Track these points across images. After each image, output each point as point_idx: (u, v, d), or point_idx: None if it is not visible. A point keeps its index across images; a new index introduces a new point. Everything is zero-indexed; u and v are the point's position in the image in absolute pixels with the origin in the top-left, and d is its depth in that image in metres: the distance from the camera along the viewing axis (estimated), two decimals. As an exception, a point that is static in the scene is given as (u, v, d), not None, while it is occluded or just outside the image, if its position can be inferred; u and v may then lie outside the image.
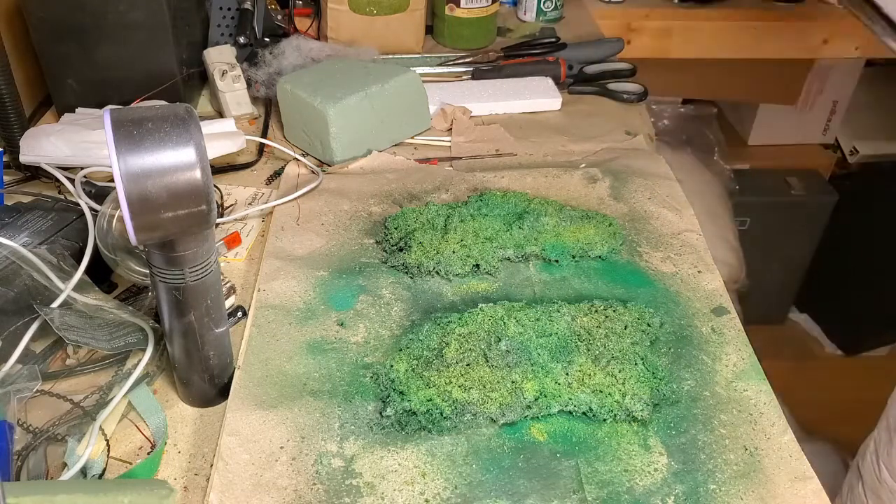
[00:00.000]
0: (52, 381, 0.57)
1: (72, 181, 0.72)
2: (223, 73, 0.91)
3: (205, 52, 0.95)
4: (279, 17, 1.07)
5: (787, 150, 1.68)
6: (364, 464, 0.51)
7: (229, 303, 0.65)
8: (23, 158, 0.76)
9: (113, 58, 0.87)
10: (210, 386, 0.56)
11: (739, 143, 1.68)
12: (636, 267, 0.69)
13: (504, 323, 0.58)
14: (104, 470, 0.51)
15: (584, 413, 0.54)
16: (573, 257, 0.69)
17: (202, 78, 0.98)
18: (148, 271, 0.52)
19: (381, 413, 0.54)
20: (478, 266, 0.67)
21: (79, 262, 0.60)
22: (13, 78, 0.79)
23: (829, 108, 1.65)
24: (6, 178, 0.79)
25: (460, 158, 0.86)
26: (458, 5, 1.08)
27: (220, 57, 0.93)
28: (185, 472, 0.52)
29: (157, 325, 0.58)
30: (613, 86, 1.00)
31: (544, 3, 1.22)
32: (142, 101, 0.86)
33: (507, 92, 0.97)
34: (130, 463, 0.52)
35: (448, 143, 0.89)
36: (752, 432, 0.54)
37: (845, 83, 1.61)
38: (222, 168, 0.83)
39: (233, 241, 0.72)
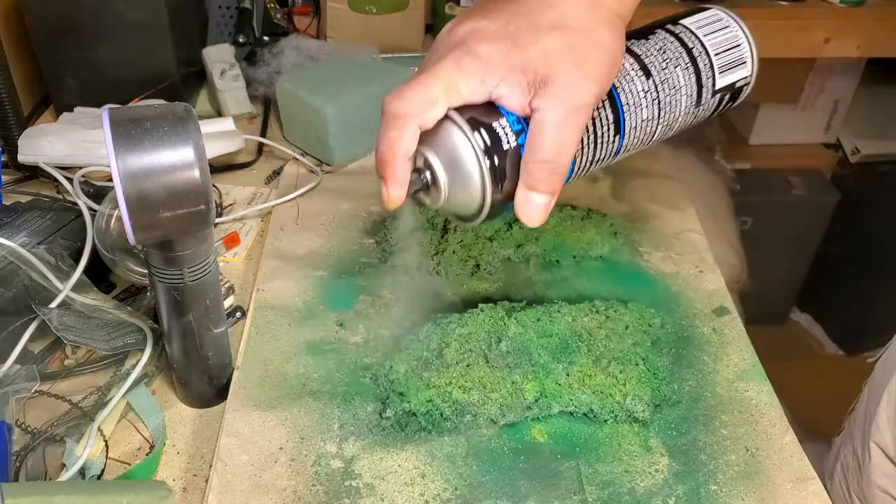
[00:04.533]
0: (51, 381, 0.57)
1: (70, 181, 0.72)
2: (222, 72, 0.91)
3: (204, 51, 0.95)
4: (278, 15, 1.07)
5: (788, 149, 1.68)
6: (364, 465, 0.51)
7: (228, 303, 0.65)
8: (21, 158, 0.76)
9: (111, 57, 0.87)
10: (209, 386, 0.56)
11: (740, 143, 1.68)
12: (637, 267, 0.69)
13: (504, 323, 0.58)
14: (103, 471, 0.51)
15: (584, 414, 0.54)
16: (574, 257, 0.69)
17: (201, 77, 0.98)
18: (146, 271, 0.51)
19: (380, 414, 0.54)
20: (478, 266, 0.67)
21: (77, 261, 0.60)
22: (11, 77, 0.78)
23: (830, 108, 1.65)
24: (4, 178, 0.79)
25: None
26: (458, 4, 1.08)
27: (218, 56, 0.93)
28: (183, 473, 0.52)
29: (155, 326, 0.58)
30: (614, 85, 1.00)
31: (544, 2, 1.21)
32: (140, 100, 0.86)
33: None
34: (129, 464, 0.52)
35: (448, 143, 0.89)
36: (753, 433, 0.54)
37: (847, 82, 1.61)
38: (221, 167, 0.83)
39: (231, 240, 0.72)
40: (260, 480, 0.50)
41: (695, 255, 0.70)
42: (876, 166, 1.63)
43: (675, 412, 0.55)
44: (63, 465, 0.51)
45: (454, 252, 0.67)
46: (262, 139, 0.87)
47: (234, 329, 0.62)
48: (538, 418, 0.54)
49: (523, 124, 0.40)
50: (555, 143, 0.39)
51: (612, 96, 0.43)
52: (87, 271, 0.59)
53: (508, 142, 0.40)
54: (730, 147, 1.61)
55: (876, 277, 1.60)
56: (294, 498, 0.49)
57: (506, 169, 0.40)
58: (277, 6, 1.08)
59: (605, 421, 0.54)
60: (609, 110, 0.43)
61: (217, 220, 0.74)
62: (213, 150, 0.78)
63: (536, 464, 0.52)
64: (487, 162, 0.39)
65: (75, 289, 0.57)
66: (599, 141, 0.43)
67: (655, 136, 0.46)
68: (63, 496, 0.41)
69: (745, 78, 0.48)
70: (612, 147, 0.44)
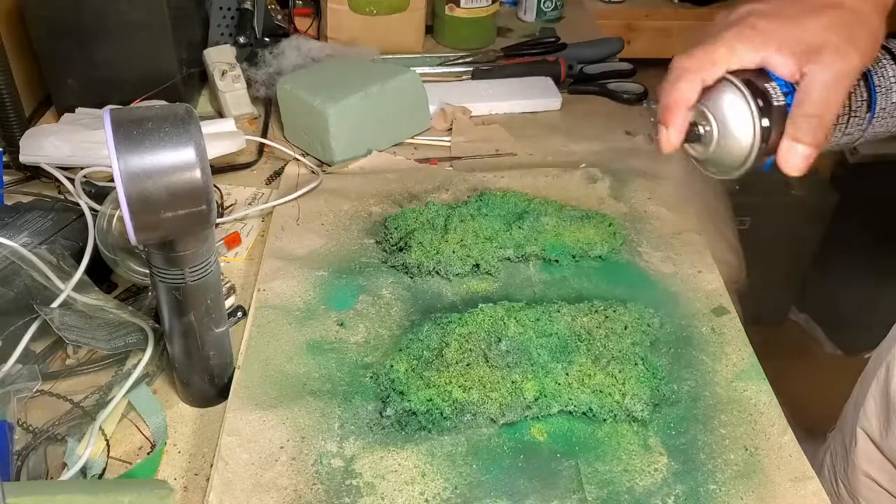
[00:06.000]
0: (52, 381, 0.57)
1: (72, 181, 0.72)
2: (223, 73, 0.91)
3: (205, 52, 0.95)
4: (279, 17, 1.07)
5: (787, 150, 1.68)
6: (364, 464, 0.51)
7: (229, 303, 0.65)
8: (23, 158, 0.76)
9: (113, 58, 0.87)
10: (210, 386, 0.56)
11: (739, 143, 1.68)
12: (636, 267, 0.69)
13: (504, 323, 0.58)
14: (104, 470, 0.51)
15: (584, 413, 0.54)
16: (573, 257, 0.69)
17: (202, 78, 0.98)
18: (148, 271, 0.52)
19: (381, 413, 0.54)
20: (478, 266, 0.67)
21: (79, 262, 0.60)
22: (13, 78, 0.79)
23: (829, 108, 1.64)
24: (6, 178, 0.79)
25: (460, 158, 0.86)
26: (458, 5, 1.08)
27: (220, 57, 0.93)
28: (184, 472, 0.52)
29: (156, 325, 0.58)
30: (613, 86, 1.00)
31: (544, 3, 1.22)
32: (142, 101, 0.86)
33: (507, 92, 0.97)
34: (130, 463, 0.52)
35: (448, 143, 0.89)
36: (752, 432, 0.54)
37: (845, 83, 1.61)
38: (222, 168, 0.83)
39: (233, 241, 0.72)
40: (261, 479, 0.50)
41: (694, 256, 0.71)
42: (874, 167, 1.63)
43: (673, 411, 0.55)
44: (64, 465, 0.51)
45: (454, 252, 0.67)
46: (262, 140, 0.87)
47: (235, 329, 0.63)
48: (537, 417, 0.54)
49: (790, 89, 0.46)
50: (823, 100, 0.45)
51: (867, 78, 0.49)
52: (88, 271, 0.59)
53: (777, 101, 0.46)
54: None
55: (874, 277, 1.61)
56: (295, 497, 0.49)
57: (772, 125, 0.46)
58: (278, 7, 1.08)
59: (605, 420, 0.54)
60: (864, 89, 0.49)
61: (218, 220, 0.74)
62: (215, 150, 0.78)
63: (536, 463, 0.52)
64: (759, 115, 0.46)
65: (77, 289, 0.58)
66: (853, 115, 0.49)
67: None
68: (64, 495, 0.41)
69: None
70: (863, 124, 0.50)
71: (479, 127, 0.92)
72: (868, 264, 1.62)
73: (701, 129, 0.48)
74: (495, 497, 0.49)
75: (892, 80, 0.49)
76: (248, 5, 1.01)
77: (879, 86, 0.49)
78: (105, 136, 0.42)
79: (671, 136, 0.48)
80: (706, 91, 0.47)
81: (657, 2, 1.40)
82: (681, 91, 0.47)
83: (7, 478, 0.48)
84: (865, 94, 0.49)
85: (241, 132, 0.82)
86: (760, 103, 0.46)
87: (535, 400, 0.54)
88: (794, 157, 0.46)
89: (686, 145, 0.49)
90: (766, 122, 0.46)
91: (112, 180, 0.48)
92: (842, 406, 0.85)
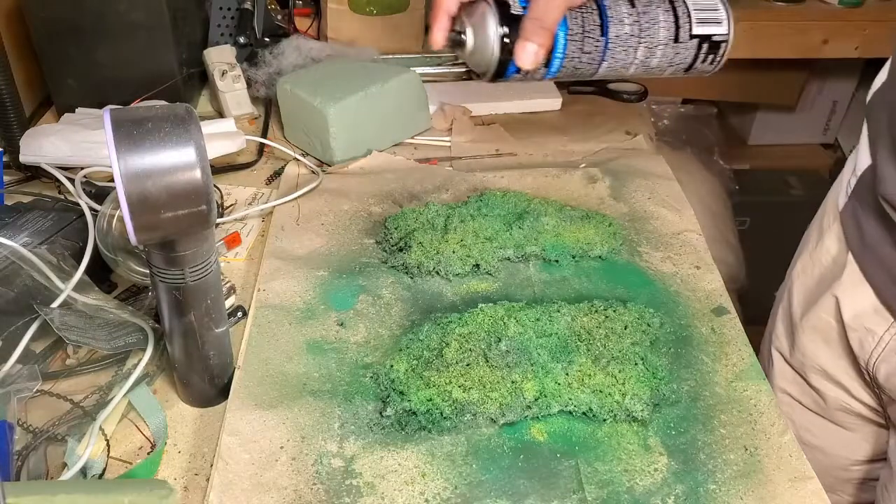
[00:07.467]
0: (52, 381, 0.57)
1: (72, 181, 0.72)
2: (223, 73, 0.91)
3: (205, 52, 0.95)
4: (279, 17, 1.08)
5: (787, 149, 1.68)
6: (364, 464, 0.51)
7: (229, 303, 0.65)
8: (23, 158, 0.76)
9: (113, 58, 0.87)
10: (210, 386, 0.56)
11: (739, 143, 1.68)
12: (636, 267, 0.69)
13: (504, 323, 0.58)
14: (104, 470, 0.51)
15: (584, 413, 0.54)
16: (573, 257, 0.69)
17: (202, 78, 0.98)
18: (148, 271, 0.52)
19: (381, 413, 0.54)
20: (478, 266, 0.67)
21: (79, 262, 0.60)
22: (13, 78, 0.79)
23: (828, 108, 1.65)
24: (6, 178, 0.79)
25: (460, 158, 0.86)
26: (457, 5, 1.08)
27: (220, 57, 0.93)
28: (185, 472, 0.52)
29: (157, 325, 0.58)
30: (613, 85, 1.00)
31: (544, 3, 1.22)
32: (142, 101, 0.86)
33: (507, 92, 0.97)
34: (130, 463, 0.52)
35: (448, 143, 0.89)
36: (751, 432, 0.54)
37: (845, 83, 1.61)
38: (222, 168, 0.83)
39: (233, 241, 0.72)
40: (261, 479, 0.50)
41: (693, 255, 0.71)
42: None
43: (673, 411, 0.55)
44: (64, 465, 0.51)
45: (454, 252, 0.67)
46: (263, 140, 0.87)
47: (235, 329, 0.63)
48: (537, 417, 0.54)
49: (526, 3, 0.56)
50: (544, 6, 0.55)
51: (600, 7, 0.58)
52: (88, 271, 0.59)
53: (515, 11, 0.56)
54: (729, 147, 1.62)
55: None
56: (295, 497, 0.49)
57: (511, 31, 0.56)
58: (278, 7, 1.09)
59: (605, 420, 0.54)
60: (596, 15, 0.58)
61: (218, 220, 0.75)
62: (215, 150, 0.78)
63: (536, 463, 0.52)
64: (500, 23, 0.56)
65: (77, 289, 0.58)
66: (587, 36, 0.58)
67: (639, 54, 0.60)
68: (64, 495, 0.41)
69: (722, 35, 0.62)
70: (599, 45, 0.58)
71: (479, 127, 0.92)
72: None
73: (462, 36, 0.58)
74: (495, 497, 0.49)
75: (625, 15, 0.58)
76: (248, 5, 1.01)
77: (612, 17, 0.58)
78: (105, 136, 0.42)
79: (435, 36, 0.59)
80: (467, 5, 0.58)
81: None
82: (440, 1, 0.58)
83: (7, 478, 0.48)
84: (599, 21, 0.58)
85: (241, 132, 0.82)
86: (502, 12, 0.56)
87: (535, 400, 0.54)
88: (525, 54, 0.56)
89: (455, 49, 0.60)
90: (505, 28, 0.56)
91: (112, 180, 0.48)
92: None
